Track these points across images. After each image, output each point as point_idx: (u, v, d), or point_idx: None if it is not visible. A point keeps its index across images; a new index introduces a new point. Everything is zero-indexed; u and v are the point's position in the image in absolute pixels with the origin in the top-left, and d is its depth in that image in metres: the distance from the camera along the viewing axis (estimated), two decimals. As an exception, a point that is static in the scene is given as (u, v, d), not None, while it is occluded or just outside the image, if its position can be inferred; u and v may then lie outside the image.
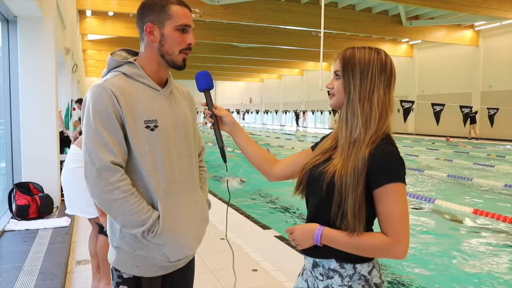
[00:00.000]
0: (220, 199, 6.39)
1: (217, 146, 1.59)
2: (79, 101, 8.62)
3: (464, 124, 16.58)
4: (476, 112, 17.77)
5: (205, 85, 1.61)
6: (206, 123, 33.79)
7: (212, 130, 1.60)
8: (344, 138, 1.34)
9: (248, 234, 4.81)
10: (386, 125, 1.33)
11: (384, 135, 1.31)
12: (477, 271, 4.34)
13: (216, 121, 1.58)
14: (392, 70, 1.35)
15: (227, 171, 1.62)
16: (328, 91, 1.42)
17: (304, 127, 37.44)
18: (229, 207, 1.79)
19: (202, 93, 1.62)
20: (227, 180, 1.67)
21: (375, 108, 1.31)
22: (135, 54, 1.64)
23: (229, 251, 1.79)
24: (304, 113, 38.50)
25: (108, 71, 1.58)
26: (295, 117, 38.77)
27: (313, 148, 1.54)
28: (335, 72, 1.38)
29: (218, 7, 15.93)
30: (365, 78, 1.31)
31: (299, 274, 1.52)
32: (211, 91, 1.63)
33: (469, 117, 16.69)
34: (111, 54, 1.60)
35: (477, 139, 20.47)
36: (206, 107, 1.59)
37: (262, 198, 7.96)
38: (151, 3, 1.53)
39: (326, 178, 1.32)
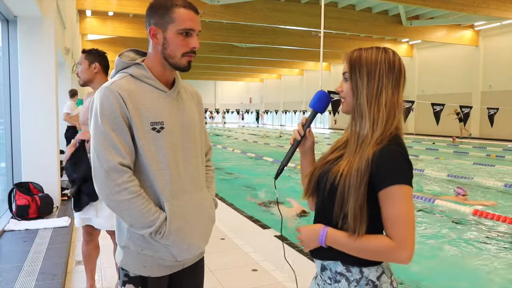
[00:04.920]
0: (220, 198, 6.38)
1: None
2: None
3: (465, 124, 16.60)
4: (460, 112, 17.72)
5: (319, 107, 1.49)
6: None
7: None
8: (353, 140, 1.32)
9: (248, 234, 4.81)
10: (394, 125, 1.29)
11: (392, 136, 1.27)
12: (477, 271, 4.34)
13: (301, 141, 1.48)
14: (401, 69, 1.31)
15: (275, 188, 1.53)
16: (336, 93, 1.37)
17: (263, 124, 44.78)
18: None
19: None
20: (277, 198, 1.59)
21: (383, 109, 1.27)
22: (144, 54, 1.63)
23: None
24: (265, 112, 46.09)
25: (116, 73, 1.58)
26: (256, 116, 46.32)
27: None
28: (343, 74, 1.36)
29: (218, 7, 15.93)
30: (372, 79, 1.28)
31: (313, 278, 1.49)
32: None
33: (458, 117, 16.86)
34: (119, 55, 1.59)
35: (462, 138, 20.64)
36: (302, 124, 1.49)
37: (263, 198, 7.95)
38: (157, 5, 1.51)
39: (330, 178, 1.30)
